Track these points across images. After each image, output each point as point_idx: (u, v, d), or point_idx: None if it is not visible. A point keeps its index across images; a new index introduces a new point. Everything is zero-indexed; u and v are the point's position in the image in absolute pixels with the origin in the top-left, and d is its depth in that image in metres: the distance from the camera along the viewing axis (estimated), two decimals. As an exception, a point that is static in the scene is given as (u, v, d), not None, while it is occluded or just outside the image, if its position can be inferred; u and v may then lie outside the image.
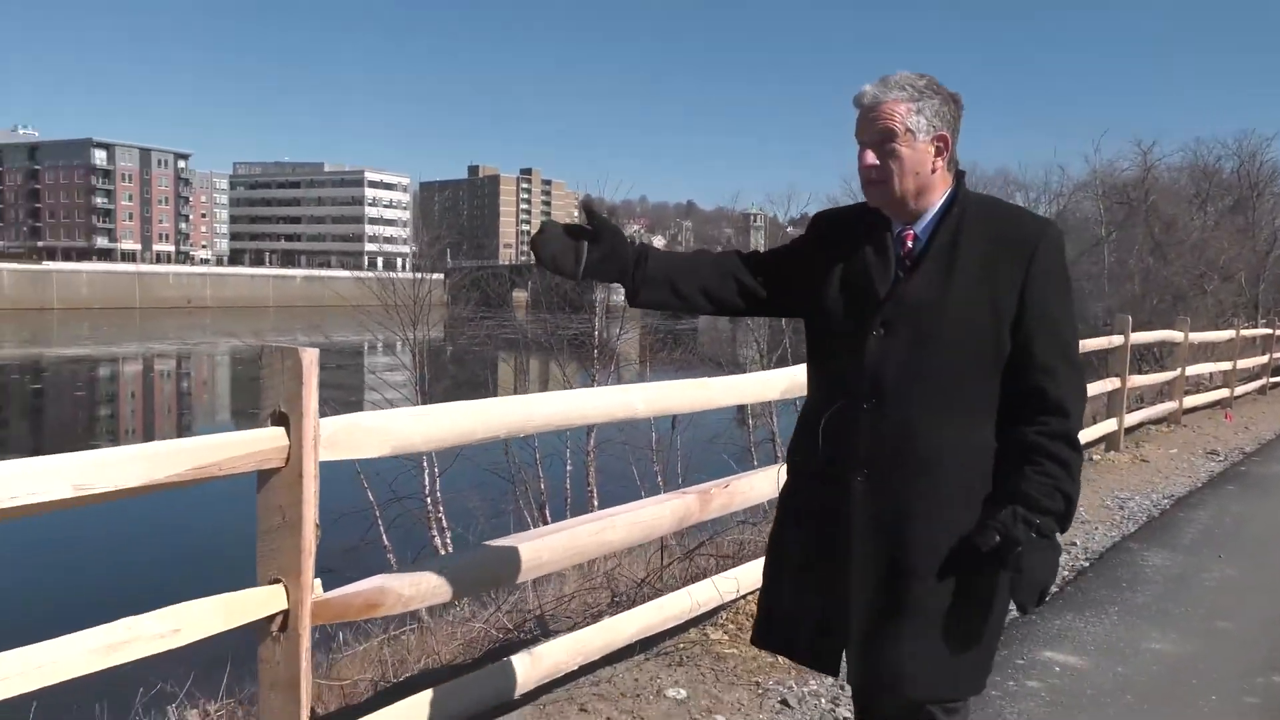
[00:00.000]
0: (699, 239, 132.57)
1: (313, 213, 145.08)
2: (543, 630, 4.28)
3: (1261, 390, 14.96)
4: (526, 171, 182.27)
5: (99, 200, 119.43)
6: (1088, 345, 8.67)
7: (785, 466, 2.16)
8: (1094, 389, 8.88)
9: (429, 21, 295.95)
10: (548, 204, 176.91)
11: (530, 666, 3.18)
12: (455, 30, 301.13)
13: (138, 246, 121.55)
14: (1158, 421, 10.96)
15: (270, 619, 2.30)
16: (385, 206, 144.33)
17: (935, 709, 1.99)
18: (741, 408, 13.48)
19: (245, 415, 27.17)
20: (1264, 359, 15.46)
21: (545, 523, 9.51)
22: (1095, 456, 8.84)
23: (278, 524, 2.30)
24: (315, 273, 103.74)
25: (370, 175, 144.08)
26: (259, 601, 2.27)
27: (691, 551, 5.17)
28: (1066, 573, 5.35)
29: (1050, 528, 1.89)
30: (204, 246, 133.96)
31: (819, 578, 2.00)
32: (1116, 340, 9.36)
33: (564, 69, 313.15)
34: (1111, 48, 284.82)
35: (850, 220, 2.07)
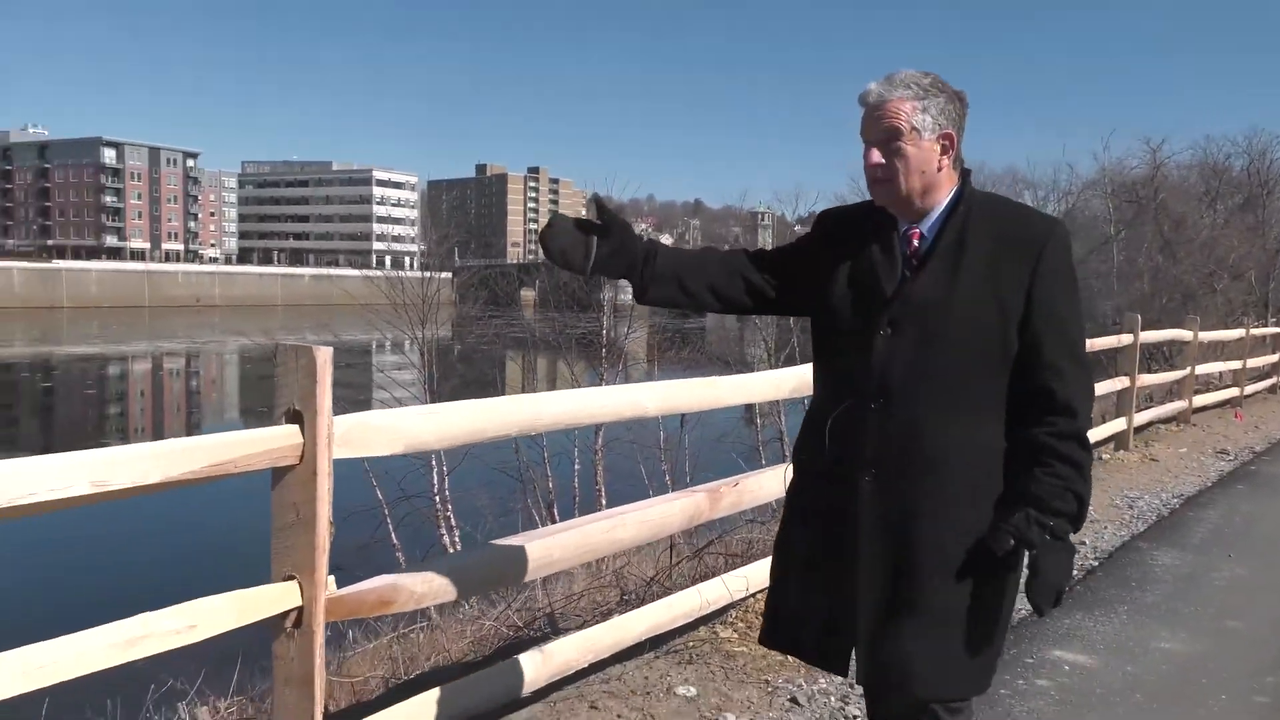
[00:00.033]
0: (706, 237, 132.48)
1: (321, 211, 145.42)
2: (553, 628, 4.30)
3: (1272, 389, 14.90)
4: (534, 170, 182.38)
5: (108, 199, 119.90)
6: (1097, 344, 8.65)
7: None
8: (1103, 388, 8.87)
9: (436, 20, 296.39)
10: (555, 202, 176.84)
11: (541, 664, 3.19)
12: (462, 29, 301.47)
13: (147, 245, 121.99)
14: (1167, 421, 10.93)
15: (285, 615, 2.32)
16: (393, 205, 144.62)
17: (939, 708, 1.99)
18: (749, 406, 13.48)
19: (254, 414, 27.27)
20: (1274, 358, 15.39)
21: (553, 521, 9.53)
22: (1104, 456, 8.82)
23: (292, 521, 2.32)
24: (323, 271, 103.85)
25: (378, 174, 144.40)
26: (273, 598, 2.28)
27: (700, 550, 5.18)
28: (1075, 572, 5.35)
29: (1064, 529, 1.89)
30: (212, 245, 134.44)
31: (826, 577, 2.01)
32: (1126, 339, 9.34)
33: (571, 67, 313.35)
34: (1120, 46, 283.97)
35: (856, 218, 2.06)
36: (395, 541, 10.91)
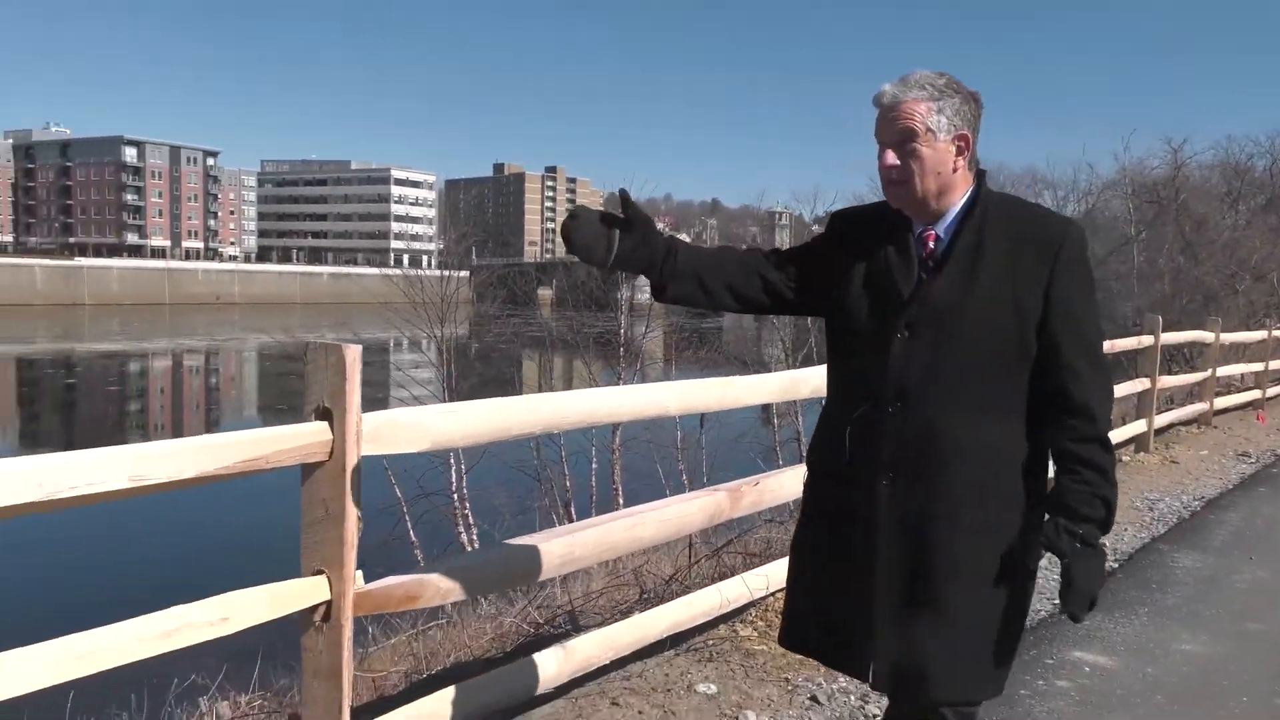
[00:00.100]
0: (723, 237, 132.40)
1: (339, 210, 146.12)
2: (573, 625, 4.32)
3: (1294, 391, 14.77)
4: (551, 169, 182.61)
5: (129, 197, 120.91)
6: (1117, 345, 8.62)
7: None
8: (1123, 390, 8.83)
9: (456, 20, 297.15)
10: (572, 202, 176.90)
11: (563, 660, 3.22)
12: (482, 28, 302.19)
13: (167, 243, 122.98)
14: (1188, 423, 10.87)
15: (314, 609, 2.36)
16: (411, 204, 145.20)
17: (949, 712, 1.99)
18: (766, 407, 13.48)
19: (273, 411, 27.45)
20: (1296, 360, 15.26)
21: (571, 520, 9.57)
22: (1125, 458, 8.78)
23: (321, 516, 2.36)
24: (342, 270, 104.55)
25: (396, 173, 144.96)
26: (303, 592, 2.32)
27: (719, 549, 5.20)
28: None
29: (1094, 536, 1.89)
30: (232, 243, 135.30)
31: (844, 579, 2.01)
32: (1146, 340, 9.30)
33: (590, 67, 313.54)
34: (1142, 46, 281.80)
35: (870, 219, 2.05)
36: (414, 539, 10.98)
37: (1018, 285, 1.90)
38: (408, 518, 11.18)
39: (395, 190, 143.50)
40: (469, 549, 10.52)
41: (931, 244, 1.97)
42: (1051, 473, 2.02)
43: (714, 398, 4.02)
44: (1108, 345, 7.77)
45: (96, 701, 4.19)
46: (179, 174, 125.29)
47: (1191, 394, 11.71)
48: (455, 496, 12.00)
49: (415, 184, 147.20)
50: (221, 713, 4.11)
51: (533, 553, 2.98)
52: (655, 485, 11.25)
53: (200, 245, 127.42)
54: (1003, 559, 1.93)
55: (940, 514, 1.91)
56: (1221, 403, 11.63)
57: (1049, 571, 2.95)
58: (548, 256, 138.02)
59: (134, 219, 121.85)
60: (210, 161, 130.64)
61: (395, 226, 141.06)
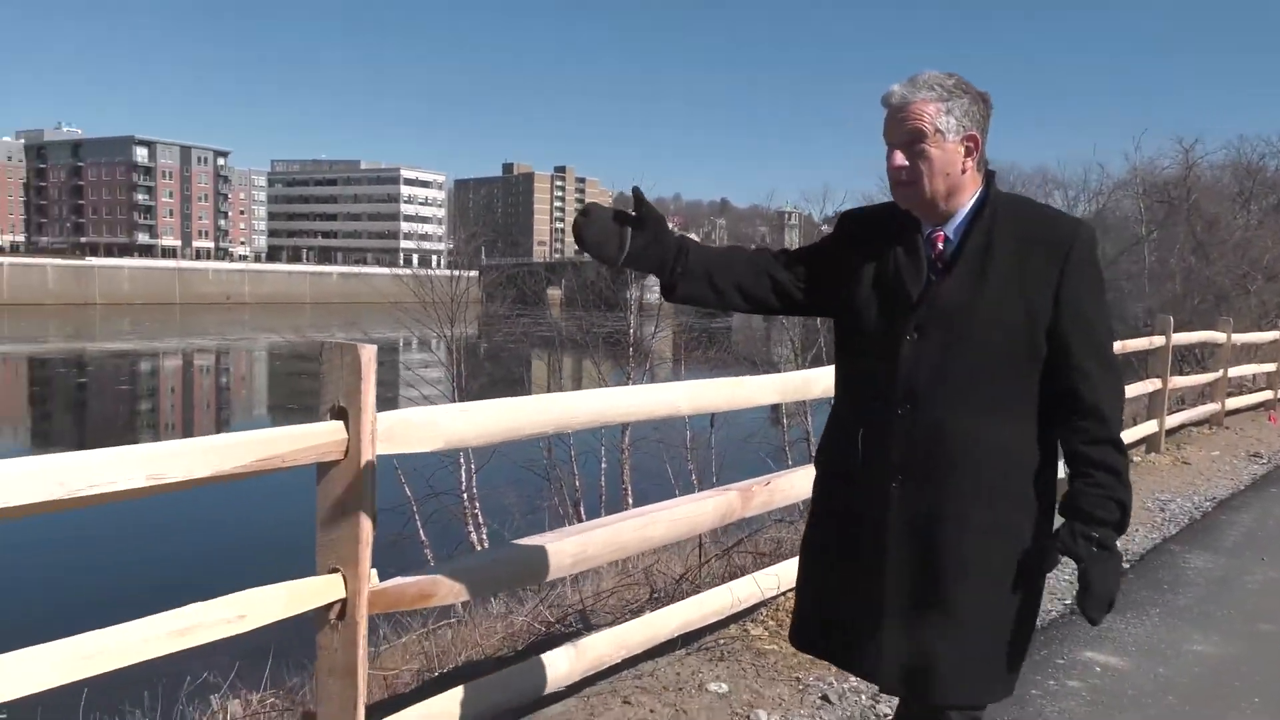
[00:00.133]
0: (733, 237, 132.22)
1: (349, 210, 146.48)
2: (584, 624, 4.34)
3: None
4: (560, 169, 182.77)
5: (140, 197, 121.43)
6: (1129, 346, 8.59)
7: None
8: (1134, 390, 8.80)
9: (465, 20, 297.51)
10: (581, 201, 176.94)
11: (575, 659, 3.23)
12: (491, 28, 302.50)
13: (178, 243, 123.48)
14: (1199, 423, 10.83)
15: (329, 607, 2.37)
16: (421, 204, 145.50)
17: (955, 715, 1.99)
18: (775, 407, 13.49)
19: (283, 410, 27.56)
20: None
21: (580, 519, 9.58)
22: (1136, 458, 8.76)
23: (336, 515, 2.37)
24: (351, 269, 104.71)
25: (406, 173, 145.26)
26: (319, 590, 2.34)
27: (729, 549, 5.21)
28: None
29: (1110, 539, 1.89)
30: (242, 243, 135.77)
31: (852, 580, 2.01)
32: (1158, 341, 9.27)
33: (597, 67, 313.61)
34: (1152, 45, 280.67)
35: (878, 220, 2.04)
36: (424, 538, 11.03)
37: (1027, 286, 1.89)
38: (417, 517, 11.22)
39: (405, 190, 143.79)
40: (478, 548, 10.56)
41: (940, 245, 1.96)
42: (1063, 473, 2.02)
43: (724, 398, 4.03)
44: (1119, 346, 7.75)
45: (109, 699, 4.22)
46: (190, 174, 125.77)
47: (1203, 394, 11.67)
48: (465, 496, 12.04)
49: (425, 184, 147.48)
50: (233, 711, 4.14)
51: (545, 552, 2.99)
52: (664, 485, 11.27)
53: (211, 245, 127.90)
54: (1012, 560, 1.93)
55: (949, 515, 1.91)
56: (1233, 403, 11.59)
57: (1060, 571, 2.96)
58: (557, 256, 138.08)
59: (145, 219, 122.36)
60: (221, 161, 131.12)
61: (405, 226, 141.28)
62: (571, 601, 4.83)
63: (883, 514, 1.94)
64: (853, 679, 3.58)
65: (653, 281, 2.13)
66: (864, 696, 3.51)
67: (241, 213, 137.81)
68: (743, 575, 4.21)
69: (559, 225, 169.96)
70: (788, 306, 2.14)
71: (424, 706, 2.75)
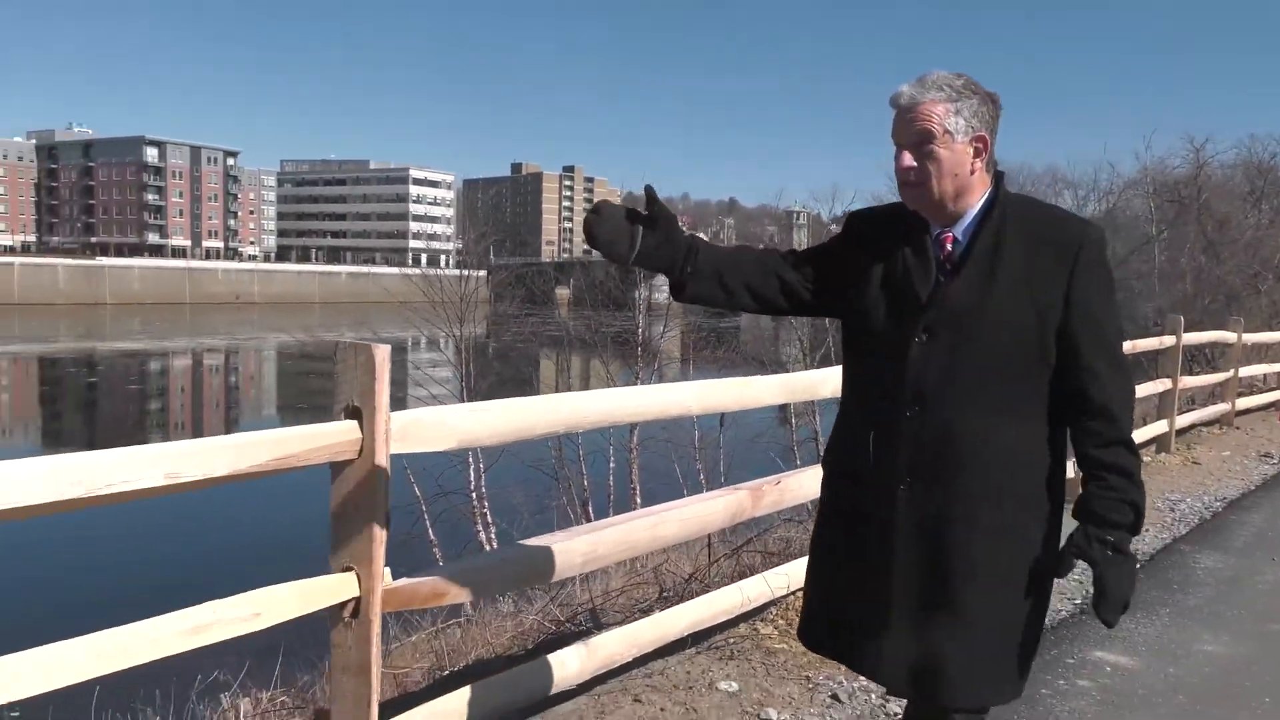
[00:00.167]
0: (741, 236, 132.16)
1: (358, 210, 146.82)
2: (594, 623, 4.35)
3: (1317, 392, 14.64)
4: (569, 169, 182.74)
5: (150, 197, 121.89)
6: (1139, 346, 8.58)
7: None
8: (1145, 390, 8.78)
9: (473, 20, 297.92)
10: (590, 201, 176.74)
11: (585, 657, 3.25)
12: (500, 29, 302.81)
13: (188, 243, 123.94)
14: (1210, 423, 10.80)
15: (343, 605, 2.39)
16: (429, 204, 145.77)
17: (958, 715, 1.99)
18: (784, 406, 13.50)
19: (293, 410, 27.63)
20: (1320, 360, 15.12)
21: (589, 519, 9.59)
22: (1146, 458, 8.74)
23: (350, 514, 2.39)
24: (361, 269, 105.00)
25: (415, 173, 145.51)
26: (333, 588, 2.36)
27: (739, 548, 5.22)
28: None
29: (1124, 542, 1.89)
30: (252, 243, 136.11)
31: (860, 580, 2.01)
32: (1168, 340, 9.25)
33: (606, 67, 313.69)
34: (1161, 44, 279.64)
35: (886, 220, 2.04)
36: (433, 537, 11.06)
37: (1036, 287, 1.88)
38: (427, 516, 11.25)
39: (414, 190, 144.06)
40: (488, 547, 10.58)
41: (949, 246, 1.96)
42: (1072, 474, 2.02)
43: (733, 397, 4.04)
44: (1129, 346, 7.73)
45: (119, 697, 4.25)
46: (199, 174, 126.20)
47: (1213, 394, 11.64)
48: (474, 495, 12.07)
49: (434, 183, 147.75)
50: (244, 709, 4.16)
51: (556, 552, 3.01)
52: (673, 484, 11.28)
53: (220, 245, 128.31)
54: (1021, 561, 1.93)
55: (958, 516, 1.91)
56: (1243, 403, 11.55)
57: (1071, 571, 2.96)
58: (565, 256, 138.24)
59: (155, 219, 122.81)
60: (230, 161, 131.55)
61: (414, 226, 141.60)
62: (581, 600, 4.84)
63: (891, 515, 1.94)
64: (863, 678, 3.59)
65: (661, 281, 2.13)
66: (874, 695, 3.52)
67: (251, 213, 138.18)
68: (752, 574, 4.22)
69: (567, 225, 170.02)
70: (796, 307, 2.14)
71: (435, 704, 2.76)
